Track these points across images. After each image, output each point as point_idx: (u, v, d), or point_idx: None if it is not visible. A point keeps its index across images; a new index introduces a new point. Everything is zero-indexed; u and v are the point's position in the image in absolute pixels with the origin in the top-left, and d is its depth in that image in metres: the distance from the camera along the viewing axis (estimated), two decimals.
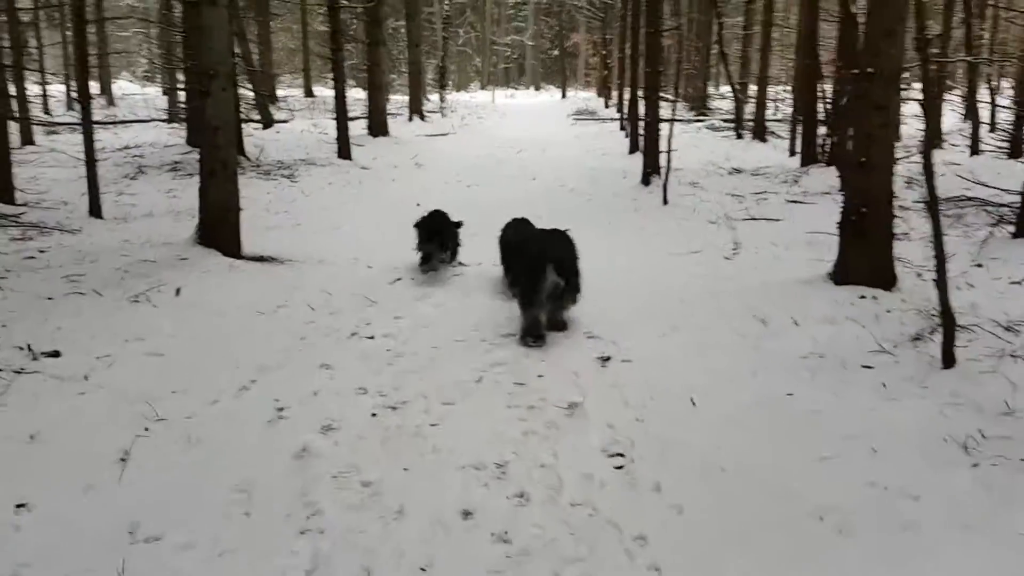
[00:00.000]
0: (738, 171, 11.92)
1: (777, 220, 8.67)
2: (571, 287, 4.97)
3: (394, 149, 15.68)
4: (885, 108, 5.02)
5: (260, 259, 6.96)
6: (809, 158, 11.42)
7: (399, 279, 6.68)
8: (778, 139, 16.54)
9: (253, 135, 17.64)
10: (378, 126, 16.71)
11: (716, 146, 15.80)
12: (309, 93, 32.31)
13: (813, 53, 11.17)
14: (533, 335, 4.79)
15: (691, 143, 16.37)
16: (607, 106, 27.54)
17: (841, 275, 5.33)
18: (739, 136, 16.73)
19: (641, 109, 15.09)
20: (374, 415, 3.93)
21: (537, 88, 41.94)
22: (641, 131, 14.57)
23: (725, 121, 20.03)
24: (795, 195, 9.98)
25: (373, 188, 11.65)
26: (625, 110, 18.55)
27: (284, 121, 21.01)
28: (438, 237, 6.65)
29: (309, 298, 5.82)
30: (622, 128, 19.38)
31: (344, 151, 13.45)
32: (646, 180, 10.83)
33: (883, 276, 5.23)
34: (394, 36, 30.61)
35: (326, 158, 13.37)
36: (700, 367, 4.37)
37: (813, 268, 6.13)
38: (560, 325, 5.06)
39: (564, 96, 34.80)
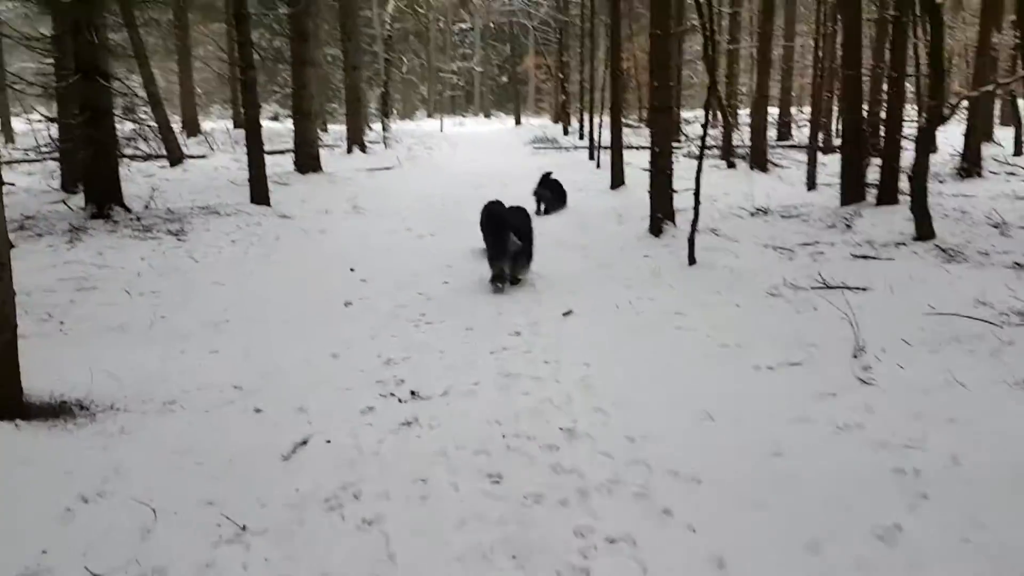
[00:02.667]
0: (763, 212, 9.28)
1: (863, 289, 5.97)
2: (525, 252, 6.69)
3: (326, 189, 12.64)
4: None
5: (56, 412, 3.86)
6: (853, 195, 8.84)
7: (304, 441, 3.67)
8: (780, 169, 14.10)
9: (155, 175, 14.45)
10: (307, 160, 13.68)
11: (707, 179, 13.14)
12: (240, 124, 29.00)
13: (856, 61, 8.65)
14: (499, 281, 6.53)
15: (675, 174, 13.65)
16: (566, 132, 25.09)
17: None
18: (731, 165, 14.24)
19: (632, 136, 12.56)
20: None
21: (487, 115, 39.42)
22: (629, 162, 12.00)
23: (705, 148, 17.56)
24: (859, 247, 7.33)
25: (292, 246, 8.58)
26: (596, 137, 15.93)
27: (200, 156, 17.80)
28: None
29: (100, 536, 2.75)
30: (591, 157, 16.81)
31: (259, 194, 10.36)
32: (656, 228, 8.08)
33: None
34: (334, 62, 27.62)
35: (236, 204, 10.25)
36: None
37: None
38: (516, 281, 6.64)
39: (518, 123, 32.21)
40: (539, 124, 31.19)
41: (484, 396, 4.26)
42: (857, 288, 6.02)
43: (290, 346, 5.19)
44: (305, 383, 4.48)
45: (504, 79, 41.61)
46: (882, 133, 8.60)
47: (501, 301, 6.32)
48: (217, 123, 30.92)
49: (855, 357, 4.41)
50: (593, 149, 16.76)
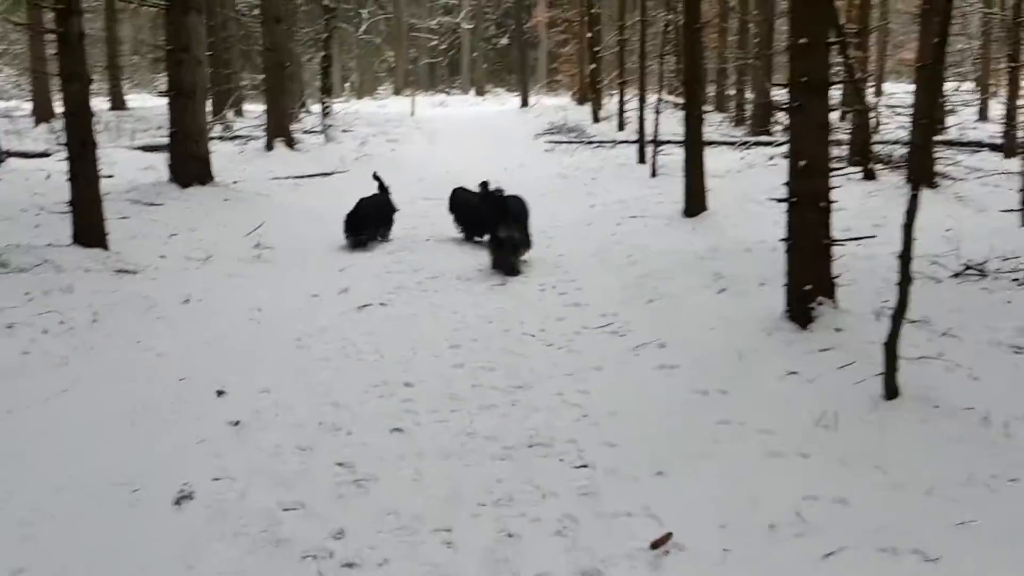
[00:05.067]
0: (977, 271, 6.98)
1: None
2: (525, 239, 8.81)
3: (216, 215, 10.67)
4: None
5: None
6: None
7: None
8: (952, 182, 11.94)
9: None
10: (189, 165, 11.64)
11: (846, 201, 10.97)
12: (118, 105, 27.26)
13: None
14: (499, 268, 8.52)
15: (766, 186, 11.57)
16: (597, 119, 23.44)
17: None
18: (869, 176, 12.07)
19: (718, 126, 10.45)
20: None
21: (480, 93, 37.83)
22: (715, 169, 9.98)
23: (837, 143, 15.54)
24: None
25: (120, 338, 6.38)
26: (652, 129, 14.07)
27: (39, 155, 15.76)
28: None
29: None
30: (643, 160, 15.14)
31: (88, 229, 8.21)
32: (801, 312, 5.88)
33: None
34: (257, 18, 25.78)
35: (48, 246, 8.07)
36: None
37: None
38: (516, 270, 8.52)
39: (525, 104, 30.52)
40: (555, 105, 29.79)
41: None
42: None
43: None
44: None
45: (504, 41, 40.05)
46: None
47: (514, 495, 4.04)
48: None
49: None
50: (644, 147, 15.19)
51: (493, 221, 8.65)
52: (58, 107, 24.45)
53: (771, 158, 14.88)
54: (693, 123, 10.35)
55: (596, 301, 7.40)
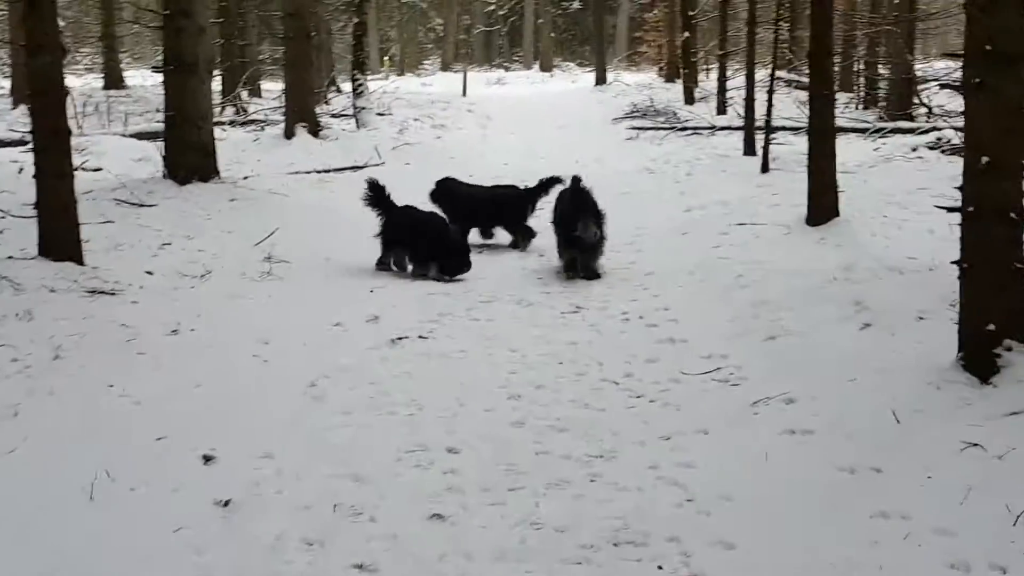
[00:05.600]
0: None
1: None
2: (600, 239, 9.12)
3: (218, 219, 10.77)
4: None
5: None
6: None
7: None
8: None
9: None
10: (189, 156, 11.64)
11: None
12: (114, 83, 27.71)
13: None
14: (571, 270, 9.12)
15: (910, 185, 11.75)
16: (691, 100, 23.58)
17: None
18: None
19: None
20: None
21: (546, 67, 38.25)
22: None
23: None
24: None
25: (84, 383, 6.28)
26: (764, 114, 13.96)
27: (14, 144, 15.96)
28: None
29: None
30: (750, 151, 15.31)
31: (58, 239, 8.18)
32: (981, 361, 5.54)
33: None
34: None
35: (9, 260, 8.07)
36: None
37: None
38: (593, 274, 9.08)
39: (602, 81, 30.98)
40: (638, 83, 30.36)
41: None
42: None
43: None
44: None
45: (577, 4, 40.20)
46: None
47: None
48: (81, 80, 29.83)
49: None
50: (753, 134, 15.28)
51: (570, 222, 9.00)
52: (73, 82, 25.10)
53: (913, 149, 14.85)
54: (821, 105, 10.01)
55: (697, 337, 7.22)
